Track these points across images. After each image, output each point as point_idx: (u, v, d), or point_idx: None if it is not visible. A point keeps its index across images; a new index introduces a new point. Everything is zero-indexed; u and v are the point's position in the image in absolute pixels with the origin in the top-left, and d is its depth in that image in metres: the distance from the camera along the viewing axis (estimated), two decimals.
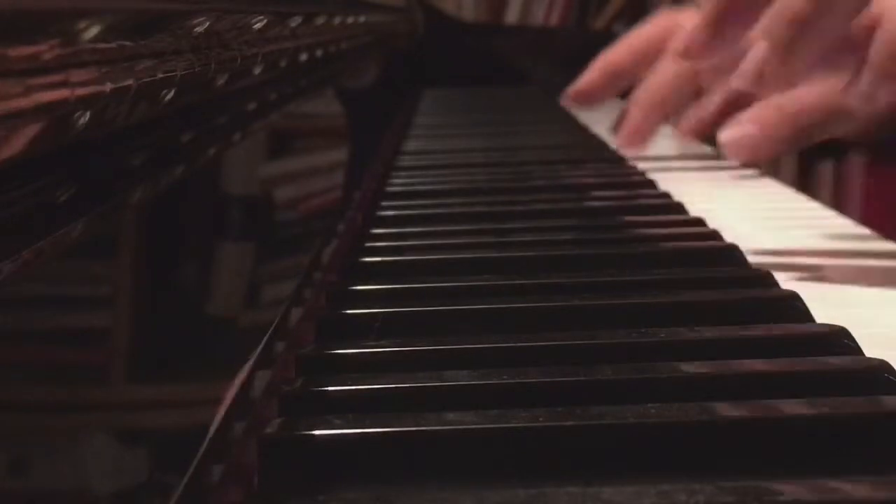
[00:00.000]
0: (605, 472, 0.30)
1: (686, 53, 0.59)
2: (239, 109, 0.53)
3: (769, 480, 0.28)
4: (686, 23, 0.72)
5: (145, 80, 0.32)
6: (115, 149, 0.35)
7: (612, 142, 0.91)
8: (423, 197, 0.70)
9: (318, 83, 0.76)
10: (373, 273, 0.50)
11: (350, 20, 0.84)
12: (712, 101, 0.82)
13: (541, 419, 0.31)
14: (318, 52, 0.71)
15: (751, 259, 0.50)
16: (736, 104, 0.75)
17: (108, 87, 0.29)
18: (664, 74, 0.84)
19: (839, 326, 0.38)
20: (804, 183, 1.90)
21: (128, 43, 0.30)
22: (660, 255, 0.53)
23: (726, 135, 0.69)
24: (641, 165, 0.80)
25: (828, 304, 0.44)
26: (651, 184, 0.72)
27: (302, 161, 0.66)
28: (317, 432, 0.31)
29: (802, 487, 0.28)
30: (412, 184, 0.75)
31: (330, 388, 0.35)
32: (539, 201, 0.67)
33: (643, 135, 0.85)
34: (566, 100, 0.92)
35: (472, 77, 1.56)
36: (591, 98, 0.90)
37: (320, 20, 0.70)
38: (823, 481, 0.28)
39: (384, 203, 0.67)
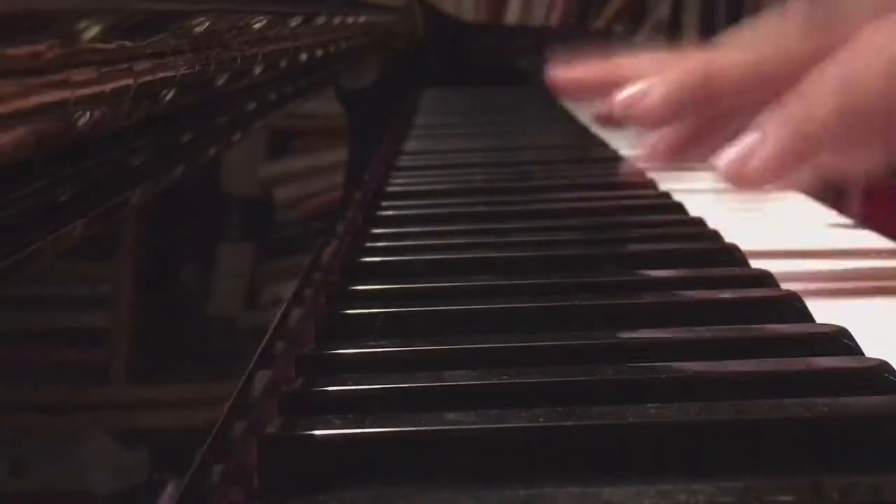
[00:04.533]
0: (605, 472, 0.30)
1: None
2: (239, 109, 0.53)
3: (769, 480, 0.28)
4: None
5: (145, 80, 0.32)
6: (115, 149, 0.35)
7: (612, 140, 0.91)
8: (423, 197, 0.69)
9: (318, 83, 0.76)
10: (373, 273, 0.50)
11: (350, 20, 0.84)
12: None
13: (541, 419, 0.31)
14: (318, 52, 0.71)
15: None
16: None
17: (108, 87, 0.29)
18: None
19: (839, 326, 0.38)
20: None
21: (128, 43, 0.30)
22: (660, 254, 0.53)
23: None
24: (642, 165, 0.80)
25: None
26: (652, 184, 0.72)
27: (302, 161, 0.66)
28: (317, 432, 0.31)
29: (802, 487, 0.28)
30: (412, 184, 0.75)
31: (330, 388, 0.35)
32: (539, 201, 0.67)
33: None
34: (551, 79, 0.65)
35: (472, 77, 1.56)
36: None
37: (320, 20, 0.70)
38: (823, 481, 0.28)
39: (384, 203, 0.67)
